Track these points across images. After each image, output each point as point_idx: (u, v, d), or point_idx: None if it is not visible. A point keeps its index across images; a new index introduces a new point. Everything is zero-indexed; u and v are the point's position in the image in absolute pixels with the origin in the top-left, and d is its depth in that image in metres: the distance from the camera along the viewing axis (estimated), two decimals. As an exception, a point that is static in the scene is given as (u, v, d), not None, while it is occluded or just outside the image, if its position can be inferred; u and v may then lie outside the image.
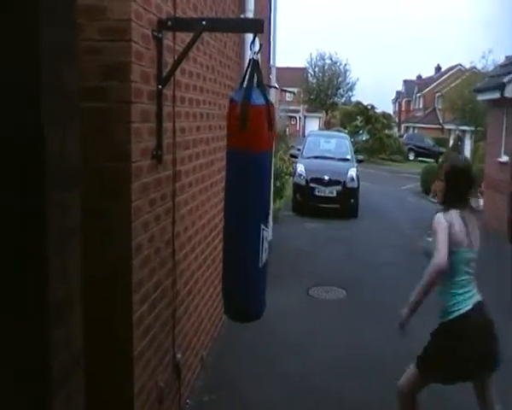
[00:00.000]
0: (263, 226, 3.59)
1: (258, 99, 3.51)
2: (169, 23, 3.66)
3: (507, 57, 16.55)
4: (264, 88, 3.69)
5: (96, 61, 3.08)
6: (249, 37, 3.85)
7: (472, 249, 3.81)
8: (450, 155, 4.29)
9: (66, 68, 1.65)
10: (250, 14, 6.75)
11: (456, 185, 3.86)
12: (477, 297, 3.80)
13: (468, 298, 3.76)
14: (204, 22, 3.73)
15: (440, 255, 3.64)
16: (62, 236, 1.63)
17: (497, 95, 13.94)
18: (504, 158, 14.04)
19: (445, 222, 3.73)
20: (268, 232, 3.73)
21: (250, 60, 3.56)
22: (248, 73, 3.55)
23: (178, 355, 4.34)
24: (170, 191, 4.00)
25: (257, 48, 3.54)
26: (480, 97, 17.09)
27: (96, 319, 3.01)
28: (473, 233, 3.82)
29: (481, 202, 15.63)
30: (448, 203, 3.85)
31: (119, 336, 3.26)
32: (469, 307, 3.73)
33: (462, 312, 3.72)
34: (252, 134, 3.48)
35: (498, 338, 3.81)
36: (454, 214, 3.78)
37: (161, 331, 3.92)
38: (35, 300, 1.53)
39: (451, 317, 3.73)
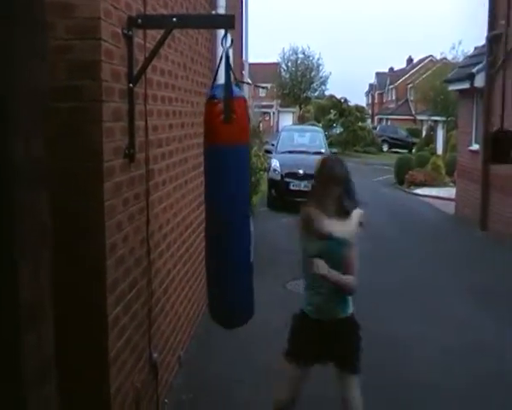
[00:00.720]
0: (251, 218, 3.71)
1: (237, 92, 3.54)
2: (139, 21, 3.62)
3: (476, 48, 16.73)
4: (236, 82, 3.69)
5: (65, 60, 3.03)
6: (221, 33, 3.84)
7: None
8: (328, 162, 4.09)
9: (34, 69, 1.62)
10: (221, 10, 6.72)
11: (350, 188, 3.90)
12: None
13: None
14: (175, 19, 3.70)
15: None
16: (33, 237, 1.61)
17: (466, 85, 14.14)
18: (475, 147, 14.22)
19: None
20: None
21: (222, 55, 3.54)
22: (224, 67, 3.53)
23: (155, 355, 4.32)
24: (143, 190, 3.97)
25: (228, 43, 3.53)
26: (451, 88, 17.32)
27: (71, 320, 2.99)
28: None
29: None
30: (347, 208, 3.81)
31: (95, 337, 3.23)
32: None
33: None
34: (238, 126, 3.49)
35: None
36: None
37: (137, 332, 3.89)
38: (5, 303, 1.51)
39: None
